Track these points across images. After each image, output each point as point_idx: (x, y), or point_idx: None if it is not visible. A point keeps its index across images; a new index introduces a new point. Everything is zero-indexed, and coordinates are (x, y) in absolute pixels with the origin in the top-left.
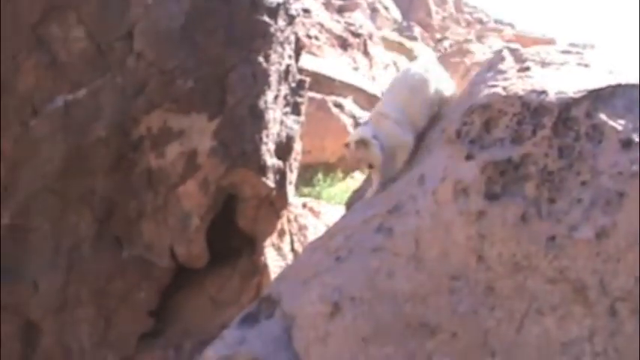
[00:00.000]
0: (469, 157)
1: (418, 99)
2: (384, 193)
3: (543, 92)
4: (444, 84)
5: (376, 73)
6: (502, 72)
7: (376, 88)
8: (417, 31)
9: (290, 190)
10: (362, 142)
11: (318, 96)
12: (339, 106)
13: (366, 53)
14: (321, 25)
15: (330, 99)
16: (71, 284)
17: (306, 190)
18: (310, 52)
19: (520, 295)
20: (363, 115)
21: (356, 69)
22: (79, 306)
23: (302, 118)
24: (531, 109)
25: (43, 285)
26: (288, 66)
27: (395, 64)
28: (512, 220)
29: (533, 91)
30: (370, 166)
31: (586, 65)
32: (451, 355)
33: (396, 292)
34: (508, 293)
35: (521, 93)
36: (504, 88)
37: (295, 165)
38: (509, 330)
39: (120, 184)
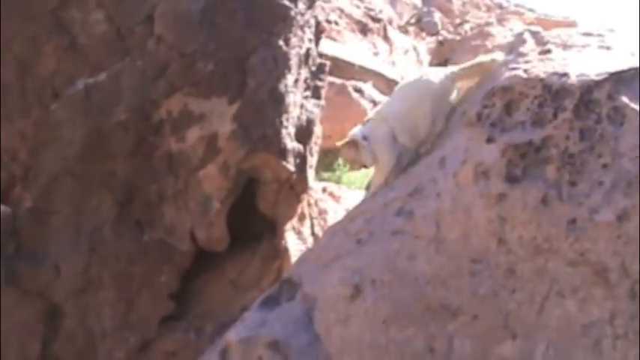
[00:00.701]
0: (490, 139)
1: (424, 106)
2: (404, 176)
3: (565, 75)
4: (450, 97)
5: (396, 58)
6: (523, 55)
7: (396, 73)
8: (437, 16)
9: (310, 173)
10: (352, 143)
11: (338, 81)
12: (359, 90)
13: (386, 38)
14: (341, 10)
15: (350, 84)
16: (93, 267)
17: (326, 174)
18: (330, 37)
19: (541, 277)
20: (383, 100)
21: (376, 54)
22: (100, 289)
23: (322, 102)
24: (552, 92)
25: (64, 268)
26: (308, 50)
27: (415, 49)
28: (533, 203)
29: (555, 73)
30: (362, 166)
31: (608, 48)
32: (472, 337)
33: (416, 274)
34: (529, 276)
35: (542, 75)
36: (525, 71)
37: (315, 149)
38: (529, 312)
39: (140, 168)
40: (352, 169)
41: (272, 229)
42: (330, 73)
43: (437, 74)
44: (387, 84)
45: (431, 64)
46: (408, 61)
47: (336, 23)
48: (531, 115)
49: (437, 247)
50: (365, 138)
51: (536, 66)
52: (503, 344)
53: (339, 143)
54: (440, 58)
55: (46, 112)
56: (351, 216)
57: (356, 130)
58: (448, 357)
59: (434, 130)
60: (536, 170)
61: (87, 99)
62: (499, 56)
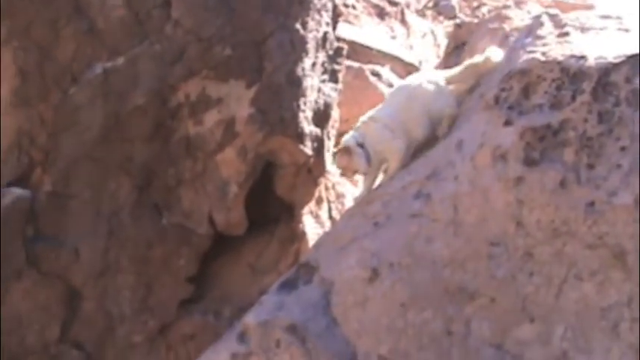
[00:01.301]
0: (508, 122)
1: (415, 108)
2: (422, 160)
3: (583, 57)
4: (444, 101)
5: (413, 42)
6: (541, 37)
7: (413, 57)
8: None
9: (328, 157)
10: (345, 150)
11: (356, 64)
12: (376, 74)
13: (403, 22)
14: None
15: (368, 67)
16: (111, 251)
17: None
18: (347, 21)
19: (559, 260)
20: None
21: (393, 38)
22: (119, 272)
23: (339, 86)
24: (570, 75)
25: (83, 251)
26: (325, 33)
27: (432, 32)
28: (551, 186)
29: (573, 56)
30: (355, 173)
31: (626, 30)
32: (489, 320)
33: (434, 257)
34: (547, 259)
35: (560, 58)
36: (543, 54)
37: (333, 132)
38: (547, 295)
39: (158, 152)
40: (345, 176)
41: (290, 213)
42: (348, 57)
43: (428, 78)
44: (404, 68)
45: (448, 48)
46: (425, 45)
47: (353, 7)
48: (549, 98)
49: (454, 230)
50: (360, 144)
51: (554, 49)
52: (521, 327)
53: (332, 150)
54: (457, 41)
55: (65, 96)
56: (368, 199)
57: (348, 137)
58: (466, 340)
59: (434, 134)
60: (554, 153)
61: (105, 83)
62: (495, 54)
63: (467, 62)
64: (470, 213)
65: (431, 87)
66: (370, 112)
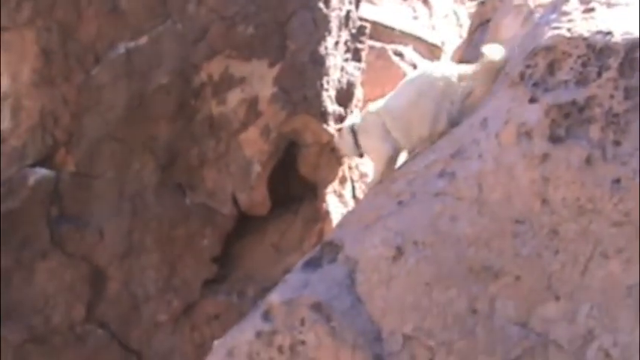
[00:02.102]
0: (533, 99)
1: (423, 106)
2: (446, 138)
3: (609, 33)
4: (448, 105)
5: (436, 22)
6: (566, 13)
7: (436, 38)
8: None
9: None
10: (339, 131)
11: (378, 44)
12: (399, 54)
13: (425, 2)
14: None
15: (390, 47)
16: (135, 231)
17: None
18: (369, 1)
19: (585, 238)
20: (424, 64)
21: (415, 18)
22: (143, 252)
23: (363, 65)
24: (596, 51)
25: (108, 232)
26: (348, 12)
27: (455, 13)
28: (577, 163)
29: (599, 32)
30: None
31: None
32: (514, 299)
33: (459, 236)
34: (572, 236)
35: (585, 34)
36: (569, 30)
37: (356, 112)
38: (573, 273)
39: (182, 131)
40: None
41: (313, 193)
42: (370, 37)
43: (441, 71)
44: (427, 48)
45: (472, 25)
46: (448, 25)
47: None
48: (575, 75)
49: (479, 208)
50: (352, 130)
51: (580, 24)
52: (547, 305)
53: (336, 127)
54: (481, 19)
55: (88, 76)
56: (392, 177)
57: (350, 120)
58: (490, 318)
59: (436, 129)
60: (579, 130)
61: (128, 63)
62: (495, 53)
63: (481, 63)
64: (495, 191)
65: (443, 81)
66: (379, 103)
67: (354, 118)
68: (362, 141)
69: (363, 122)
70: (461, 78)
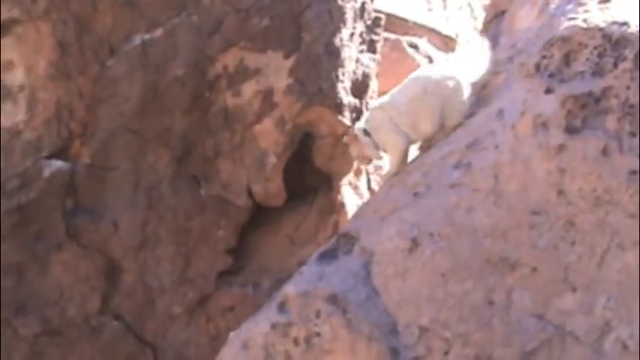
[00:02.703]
0: (549, 90)
1: (429, 103)
2: (462, 129)
3: (625, 24)
4: (459, 104)
5: (450, 14)
6: (582, 4)
7: (450, 29)
8: None
9: None
10: (354, 138)
11: (393, 36)
12: (414, 46)
13: None
14: None
15: (405, 39)
16: (150, 223)
17: None
18: None
19: (601, 229)
20: (438, 56)
21: (430, 10)
22: (158, 244)
23: (378, 56)
24: (612, 41)
25: (123, 224)
26: (363, 3)
27: (469, 5)
28: (593, 154)
29: (615, 22)
30: (369, 160)
31: None
32: (531, 290)
33: (475, 227)
34: (589, 228)
35: (602, 25)
36: (584, 20)
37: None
38: (590, 265)
39: (197, 123)
40: (362, 164)
41: (328, 184)
42: (385, 29)
43: (451, 70)
44: (441, 40)
45: (488, 16)
46: (462, 17)
47: None
48: (591, 66)
49: (495, 199)
50: (365, 131)
51: (596, 15)
52: (563, 297)
53: (345, 139)
54: (497, 10)
55: (103, 68)
56: (408, 169)
57: (358, 124)
58: (507, 310)
59: (448, 124)
60: (596, 121)
61: (143, 55)
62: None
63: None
64: (511, 182)
65: (451, 83)
66: (383, 98)
67: (360, 123)
68: (376, 138)
69: (371, 120)
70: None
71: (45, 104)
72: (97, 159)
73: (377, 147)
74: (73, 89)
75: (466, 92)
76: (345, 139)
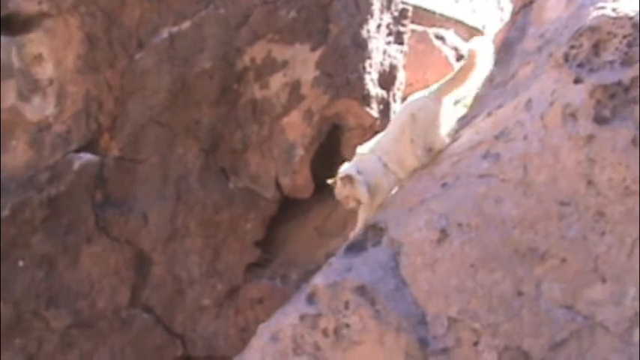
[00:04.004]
0: (577, 80)
1: (406, 135)
2: (490, 119)
3: None
4: (435, 132)
5: (477, 5)
6: None
7: (477, 21)
8: None
9: None
10: (347, 179)
11: (419, 28)
12: (440, 38)
13: None
14: None
15: (432, 31)
16: (179, 215)
17: None
18: None
19: (631, 219)
20: (465, 47)
21: (457, 1)
22: (187, 236)
23: (405, 48)
24: None
25: (152, 216)
26: None
27: None
28: (623, 144)
29: None
30: (358, 203)
31: None
32: (560, 281)
33: (504, 217)
34: (618, 218)
35: (631, 14)
36: (614, 10)
37: (399, 95)
38: (619, 255)
39: (225, 116)
40: (346, 206)
41: None
42: (411, 21)
43: (420, 102)
44: (468, 31)
45: (515, 7)
46: (488, 8)
47: None
48: (620, 55)
49: (524, 190)
50: (359, 172)
51: (625, 4)
52: (593, 288)
53: (330, 181)
54: (525, 0)
55: (132, 61)
56: (436, 160)
57: (346, 166)
58: (536, 300)
59: (434, 149)
60: (625, 111)
61: (171, 48)
62: (479, 44)
63: (455, 70)
64: (540, 173)
65: (420, 107)
66: (370, 144)
67: (348, 165)
68: (372, 179)
69: (363, 162)
70: (439, 96)
71: (74, 98)
72: (126, 152)
73: (370, 189)
74: (102, 83)
75: (448, 112)
76: (331, 181)
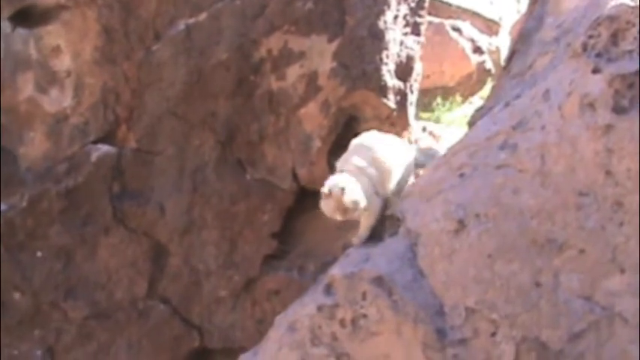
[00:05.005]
0: (596, 70)
1: (391, 164)
2: (508, 110)
3: None
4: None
5: None
6: None
7: (494, 13)
8: None
9: (411, 110)
10: (339, 190)
11: (436, 20)
12: (457, 30)
13: None
14: None
15: (448, 23)
16: (196, 207)
17: (425, 115)
18: None
19: None
20: (481, 39)
21: None
22: (204, 228)
23: (422, 39)
24: None
25: (168, 208)
26: None
27: None
28: None
29: None
30: (346, 212)
31: None
32: (579, 272)
33: (521, 208)
34: (637, 208)
35: None
36: None
37: (416, 86)
38: (638, 246)
39: (241, 107)
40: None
41: None
42: (428, 13)
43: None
44: (484, 23)
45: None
46: (505, 1)
47: None
48: (639, 45)
49: (542, 180)
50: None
51: None
52: (612, 278)
53: (322, 194)
54: None
55: (148, 53)
56: (453, 150)
57: (336, 180)
58: (555, 291)
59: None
60: None
61: (188, 39)
62: None
63: None
64: (557, 163)
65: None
66: (353, 160)
67: (337, 178)
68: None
69: (355, 177)
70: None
71: (91, 89)
72: (143, 143)
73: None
74: (119, 74)
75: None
76: (324, 196)
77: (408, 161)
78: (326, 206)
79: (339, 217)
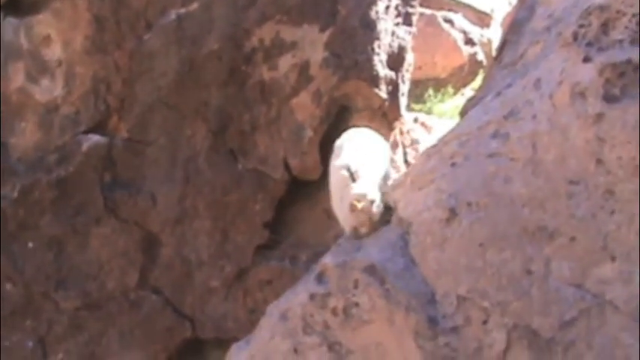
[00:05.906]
0: (586, 59)
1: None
2: (499, 99)
3: None
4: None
5: None
6: None
7: (486, 5)
8: None
9: (402, 101)
10: (373, 201)
11: (428, 11)
12: (449, 21)
13: None
14: None
15: (440, 14)
16: (188, 197)
17: (416, 106)
18: None
19: None
20: (473, 31)
21: None
22: (196, 218)
23: (413, 29)
24: None
25: (160, 198)
26: None
27: None
28: (632, 123)
29: None
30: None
31: None
32: (570, 260)
33: (513, 197)
34: (628, 197)
35: None
36: None
37: (407, 76)
38: (629, 234)
39: (233, 97)
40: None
41: None
42: (420, 5)
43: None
44: (476, 15)
45: None
46: None
47: None
48: (629, 34)
49: (533, 169)
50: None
51: None
52: (602, 266)
53: (354, 202)
54: None
55: (139, 42)
56: (445, 139)
57: (363, 192)
58: (546, 279)
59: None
60: (634, 89)
61: (179, 29)
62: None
63: None
64: (549, 151)
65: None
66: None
67: (362, 189)
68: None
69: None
70: None
71: (82, 79)
72: (135, 133)
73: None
74: (110, 64)
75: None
76: (360, 205)
77: (390, 155)
78: (356, 219)
79: (365, 230)
